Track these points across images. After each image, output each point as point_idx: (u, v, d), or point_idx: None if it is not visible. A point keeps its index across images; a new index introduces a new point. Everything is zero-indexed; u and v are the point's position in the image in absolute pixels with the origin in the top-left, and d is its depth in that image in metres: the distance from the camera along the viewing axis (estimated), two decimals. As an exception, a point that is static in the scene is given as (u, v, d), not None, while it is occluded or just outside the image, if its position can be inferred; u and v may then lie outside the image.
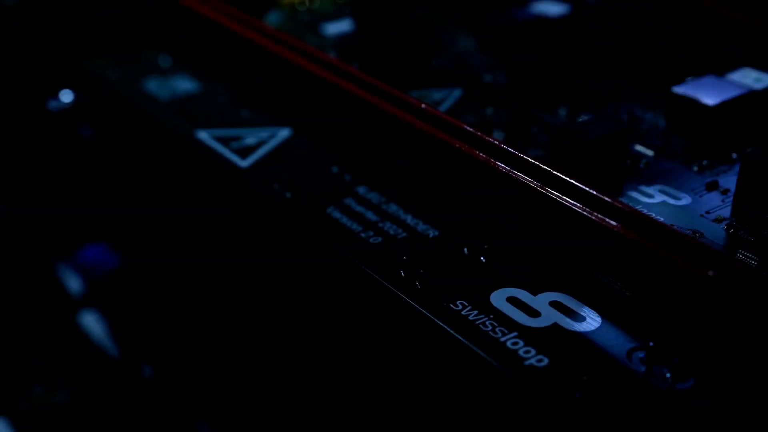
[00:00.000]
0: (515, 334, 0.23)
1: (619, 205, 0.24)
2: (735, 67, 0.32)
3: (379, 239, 0.27)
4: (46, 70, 0.40)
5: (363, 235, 0.27)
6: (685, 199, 0.28)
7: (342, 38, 0.39)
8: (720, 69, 0.32)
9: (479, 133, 0.27)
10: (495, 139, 0.27)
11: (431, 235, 0.27)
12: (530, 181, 0.26)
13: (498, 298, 0.24)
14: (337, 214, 0.28)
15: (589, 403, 0.21)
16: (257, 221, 0.30)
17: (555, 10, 0.36)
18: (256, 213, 0.30)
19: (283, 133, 0.33)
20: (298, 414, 0.33)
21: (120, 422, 0.43)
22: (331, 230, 0.27)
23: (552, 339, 0.23)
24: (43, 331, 0.48)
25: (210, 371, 0.37)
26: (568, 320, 0.24)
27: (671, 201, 0.28)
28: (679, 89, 0.31)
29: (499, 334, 0.23)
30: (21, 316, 0.49)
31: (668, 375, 0.22)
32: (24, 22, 0.41)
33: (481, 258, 0.26)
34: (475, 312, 0.24)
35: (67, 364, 0.47)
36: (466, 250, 0.26)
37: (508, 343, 0.23)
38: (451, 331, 0.23)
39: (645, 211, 0.27)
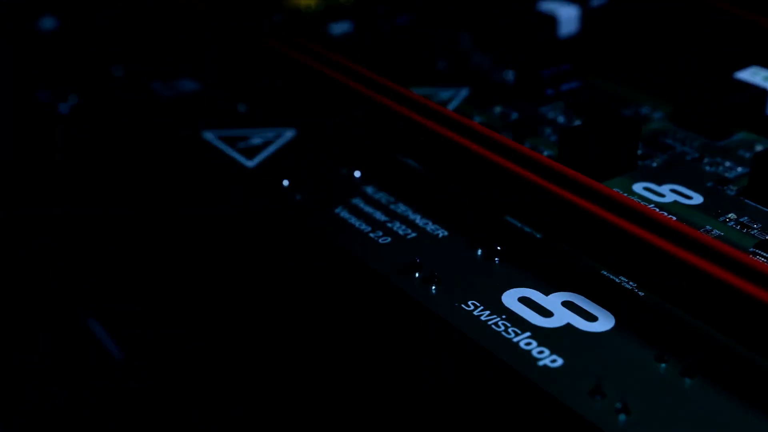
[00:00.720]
0: (528, 334, 0.23)
1: (631, 205, 0.24)
2: (744, 65, 0.32)
3: (388, 239, 0.27)
4: (52, 71, 0.40)
5: (372, 235, 0.27)
6: (697, 198, 0.28)
7: (344, 37, 0.39)
8: (729, 68, 0.32)
9: (489, 132, 0.27)
10: (504, 138, 0.27)
11: (440, 235, 0.27)
12: (540, 181, 0.25)
13: (510, 299, 0.24)
14: (345, 214, 0.28)
15: (604, 404, 0.21)
16: (265, 222, 0.30)
17: (562, 9, 0.36)
18: (263, 214, 0.30)
19: (289, 133, 0.32)
20: (307, 416, 0.32)
21: (118, 424, 0.43)
22: (339, 230, 0.27)
23: (565, 339, 0.23)
24: (42, 333, 0.48)
25: (214, 372, 0.37)
26: (581, 320, 0.24)
27: (683, 200, 0.28)
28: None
29: (512, 335, 0.23)
30: (20, 317, 0.48)
31: (687, 379, 0.22)
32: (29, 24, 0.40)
33: (495, 259, 0.26)
34: (487, 312, 0.24)
35: (67, 366, 0.47)
36: (479, 251, 0.26)
37: (521, 344, 0.23)
38: (464, 332, 0.23)
39: (657, 210, 0.27)
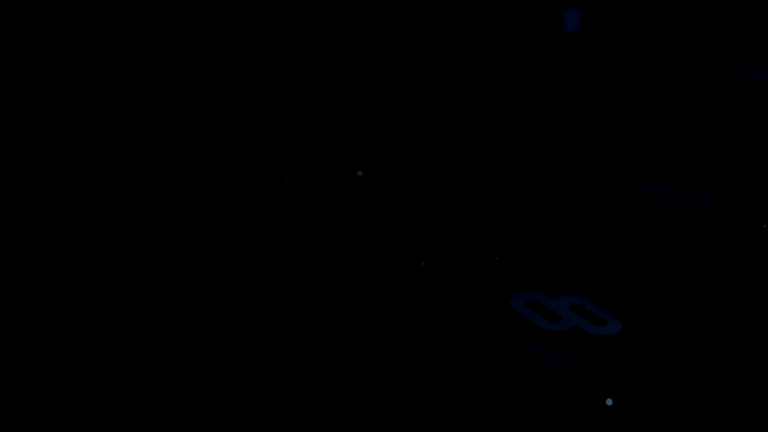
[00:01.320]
0: (535, 339, 0.23)
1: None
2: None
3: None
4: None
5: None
6: (704, 200, 0.28)
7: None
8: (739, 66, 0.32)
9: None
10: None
11: (446, 237, 0.27)
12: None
13: (517, 302, 0.24)
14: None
15: (615, 408, 0.21)
16: (268, 222, 0.30)
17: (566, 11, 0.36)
18: (267, 212, 0.30)
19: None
20: (308, 417, 0.32)
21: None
22: (344, 230, 0.27)
23: (573, 343, 0.23)
24: (43, 334, 0.48)
25: (216, 375, 0.37)
26: (588, 324, 0.23)
27: (690, 201, 0.27)
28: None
29: (519, 339, 0.23)
30: (22, 320, 0.48)
31: (695, 381, 0.22)
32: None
33: (500, 260, 0.26)
34: (494, 316, 0.24)
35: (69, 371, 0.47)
36: (484, 253, 0.26)
37: (529, 348, 0.23)
38: (470, 336, 0.23)
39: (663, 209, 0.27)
